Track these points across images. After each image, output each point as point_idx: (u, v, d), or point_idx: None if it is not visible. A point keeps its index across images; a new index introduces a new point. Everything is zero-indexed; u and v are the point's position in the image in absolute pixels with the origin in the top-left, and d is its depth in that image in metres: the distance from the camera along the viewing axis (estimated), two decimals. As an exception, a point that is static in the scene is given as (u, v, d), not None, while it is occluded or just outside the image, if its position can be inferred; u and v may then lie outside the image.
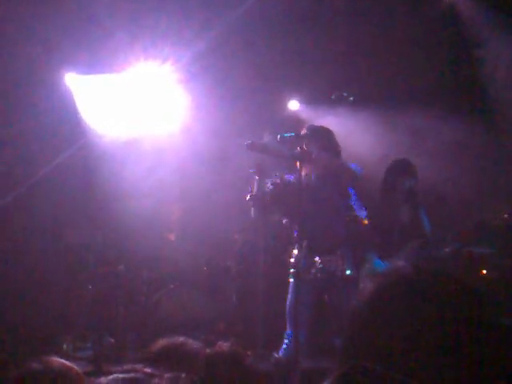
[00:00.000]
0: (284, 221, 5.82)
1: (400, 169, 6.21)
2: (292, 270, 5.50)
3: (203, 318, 7.52)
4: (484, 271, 7.06)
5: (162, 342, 1.84)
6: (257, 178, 5.56)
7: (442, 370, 1.17)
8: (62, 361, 1.34)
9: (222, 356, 1.41)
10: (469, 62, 7.98)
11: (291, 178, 5.64)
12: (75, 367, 1.29)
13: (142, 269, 7.74)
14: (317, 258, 5.46)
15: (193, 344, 1.85)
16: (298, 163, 5.39)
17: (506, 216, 7.45)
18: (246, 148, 5.43)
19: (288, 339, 5.42)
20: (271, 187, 5.62)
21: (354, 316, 1.30)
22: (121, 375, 1.40)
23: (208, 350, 1.34)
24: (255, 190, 5.56)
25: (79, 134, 8.26)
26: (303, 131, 5.60)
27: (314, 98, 8.50)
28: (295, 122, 8.29)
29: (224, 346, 1.45)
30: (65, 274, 7.84)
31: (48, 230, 7.95)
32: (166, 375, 1.48)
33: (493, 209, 7.58)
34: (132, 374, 1.42)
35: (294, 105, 8.76)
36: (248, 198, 5.60)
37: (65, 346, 7.30)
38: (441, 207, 6.99)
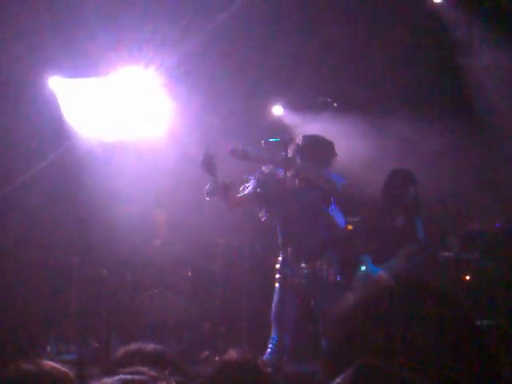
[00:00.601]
0: (263, 218, 5.75)
1: (406, 178, 6.38)
2: (277, 276, 5.52)
3: (187, 321, 7.52)
4: (467, 277, 7.11)
5: (122, 349, 1.84)
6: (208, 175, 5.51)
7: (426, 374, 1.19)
8: (51, 363, 1.35)
9: (234, 363, 1.40)
10: (455, 67, 8.04)
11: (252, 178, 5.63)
12: (66, 369, 1.31)
13: (126, 272, 7.74)
14: (303, 265, 5.48)
15: (153, 347, 1.85)
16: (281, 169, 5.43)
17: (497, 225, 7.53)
18: (229, 155, 5.45)
19: (272, 343, 5.43)
20: (255, 180, 5.61)
21: (342, 322, 1.33)
22: (126, 376, 1.40)
23: (217, 358, 1.35)
24: (208, 185, 5.55)
25: (63, 138, 8.24)
26: (290, 138, 5.63)
27: (297, 104, 8.53)
28: (280, 127, 8.33)
29: (234, 353, 1.44)
30: (49, 277, 7.81)
31: (31, 233, 7.91)
32: (172, 378, 1.49)
33: (480, 215, 7.65)
34: (137, 376, 1.43)
35: (277, 110, 8.78)
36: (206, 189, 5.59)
37: (49, 349, 7.28)
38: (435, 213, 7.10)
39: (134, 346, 1.81)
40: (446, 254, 6.98)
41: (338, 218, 5.71)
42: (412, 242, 6.28)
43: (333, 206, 5.65)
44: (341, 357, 1.27)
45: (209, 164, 5.45)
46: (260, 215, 5.71)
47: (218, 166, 5.47)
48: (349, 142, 7.56)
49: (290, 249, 5.51)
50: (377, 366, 1.10)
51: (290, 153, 5.45)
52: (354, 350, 1.25)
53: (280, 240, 5.61)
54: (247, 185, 5.66)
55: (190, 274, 7.86)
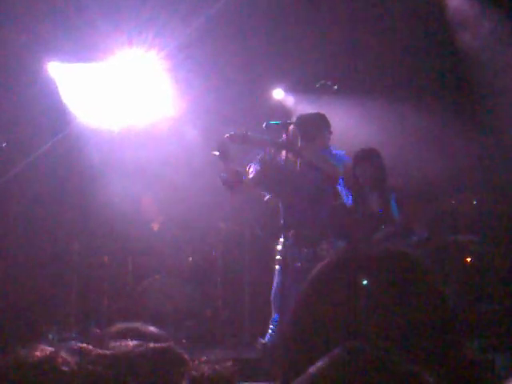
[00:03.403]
0: (265, 198, 5.73)
1: (360, 157, 6.26)
2: (278, 258, 5.50)
3: (189, 307, 7.52)
4: (468, 259, 7.11)
5: (117, 326, 1.81)
6: (222, 162, 5.47)
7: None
8: (52, 349, 1.32)
9: (207, 380, 1.37)
10: (454, 53, 8.00)
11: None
12: (67, 356, 1.28)
13: (128, 259, 7.73)
14: (304, 248, 5.45)
15: (149, 328, 1.82)
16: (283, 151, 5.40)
17: (474, 203, 7.52)
18: (228, 140, 5.41)
19: (273, 325, 5.43)
20: (258, 165, 5.58)
21: (300, 299, 1.32)
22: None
23: (193, 373, 1.32)
24: (222, 173, 5.51)
25: (63, 124, 8.20)
26: (291, 120, 5.60)
27: (298, 87, 8.50)
28: (281, 110, 8.30)
29: (208, 367, 1.40)
30: (50, 264, 7.80)
31: (32, 219, 7.90)
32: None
33: (460, 196, 7.64)
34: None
35: (278, 93, 8.75)
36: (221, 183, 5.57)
37: (50, 336, 7.28)
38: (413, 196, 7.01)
39: (130, 325, 1.78)
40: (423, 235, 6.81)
41: (346, 197, 5.69)
42: (387, 225, 6.16)
43: (340, 185, 5.63)
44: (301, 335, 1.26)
45: (224, 152, 5.41)
46: (265, 198, 5.70)
47: (232, 154, 5.45)
48: (349, 124, 7.55)
49: (292, 231, 5.49)
50: (361, 348, 1.08)
51: (291, 135, 5.43)
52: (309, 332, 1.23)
53: (282, 222, 5.59)
54: (251, 169, 5.63)
55: (190, 259, 7.85)
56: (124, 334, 1.60)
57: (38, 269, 7.70)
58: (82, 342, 1.32)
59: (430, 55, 8.08)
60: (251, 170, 5.61)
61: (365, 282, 1.22)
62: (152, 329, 1.72)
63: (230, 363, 1.34)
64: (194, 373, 1.27)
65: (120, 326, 1.74)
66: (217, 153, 5.41)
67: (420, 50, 8.03)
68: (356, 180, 6.26)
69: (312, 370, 1.07)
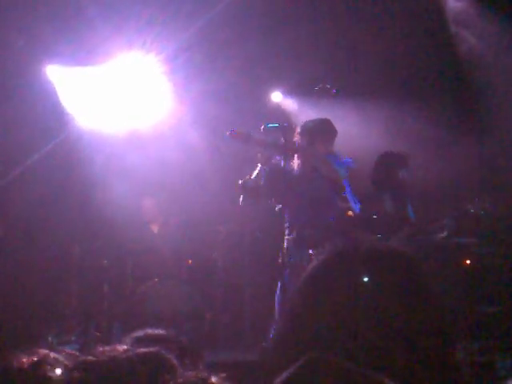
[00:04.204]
0: (277, 208, 5.74)
1: (395, 162, 6.28)
2: (281, 260, 5.50)
3: (189, 310, 7.51)
4: (468, 261, 7.10)
5: (129, 337, 1.82)
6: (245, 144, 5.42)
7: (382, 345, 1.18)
8: (51, 352, 1.33)
9: None
10: (451, 52, 8.00)
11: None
12: (65, 359, 1.29)
13: (127, 261, 7.73)
14: (310, 251, 5.45)
15: (160, 332, 1.83)
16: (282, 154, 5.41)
17: (487, 205, 7.50)
18: (228, 137, 5.41)
19: (276, 329, 5.41)
20: (268, 170, 5.57)
21: (295, 294, 1.32)
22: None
23: (179, 381, 1.31)
24: (247, 178, 5.51)
25: (61, 127, 8.20)
26: (289, 124, 5.61)
27: (297, 90, 8.50)
28: (280, 113, 8.30)
29: (195, 375, 1.39)
30: (50, 266, 7.80)
31: (32, 221, 7.89)
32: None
33: (472, 198, 7.64)
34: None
35: (277, 96, 8.75)
36: (240, 182, 5.57)
37: (50, 339, 7.27)
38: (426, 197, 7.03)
39: (140, 332, 1.79)
40: (441, 234, 6.88)
41: (353, 202, 5.70)
42: (405, 226, 6.18)
43: (348, 190, 5.63)
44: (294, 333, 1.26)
45: (241, 137, 5.36)
46: (275, 207, 5.71)
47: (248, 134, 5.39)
48: (349, 127, 7.55)
49: (296, 235, 5.49)
50: (325, 359, 1.08)
51: (293, 138, 5.44)
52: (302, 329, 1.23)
53: (286, 226, 5.59)
54: (256, 176, 5.62)
55: (190, 262, 7.85)
56: (144, 340, 1.60)
57: (38, 271, 7.70)
58: (82, 345, 1.33)
59: (431, 57, 8.08)
60: (256, 176, 5.59)
61: (365, 279, 1.22)
62: (169, 333, 1.72)
63: (222, 374, 1.34)
64: (180, 380, 1.27)
65: (138, 332, 1.74)
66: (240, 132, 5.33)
67: (420, 52, 8.03)
68: (383, 181, 6.27)
69: (277, 380, 1.07)
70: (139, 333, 1.79)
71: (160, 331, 1.78)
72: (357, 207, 5.80)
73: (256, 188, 5.53)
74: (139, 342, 1.67)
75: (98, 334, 7.41)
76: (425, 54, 8.05)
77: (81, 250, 7.81)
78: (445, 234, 6.70)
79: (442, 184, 7.60)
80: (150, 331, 1.80)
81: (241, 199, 5.69)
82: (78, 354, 1.32)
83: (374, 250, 1.30)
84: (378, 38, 7.98)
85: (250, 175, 5.58)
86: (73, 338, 7.37)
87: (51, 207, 7.94)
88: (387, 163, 6.28)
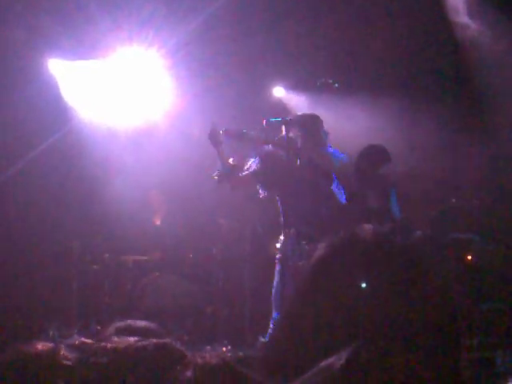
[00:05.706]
0: (263, 194, 5.73)
1: (376, 156, 6.24)
2: (278, 256, 5.50)
3: (189, 304, 7.52)
4: (469, 257, 7.10)
5: (117, 324, 1.83)
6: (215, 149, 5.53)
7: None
8: (51, 345, 1.33)
9: (212, 366, 1.37)
10: (454, 48, 7.99)
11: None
12: (66, 352, 1.29)
13: (128, 256, 7.73)
14: (305, 247, 5.45)
15: (143, 323, 1.84)
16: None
17: (476, 201, 7.51)
18: (223, 135, 5.45)
19: (274, 323, 5.43)
20: (263, 155, 5.59)
21: (295, 292, 1.33)
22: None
23: (198, 359, 1.33)
24: (217, 168, 5.56)
25: (63, 121, 8.20)
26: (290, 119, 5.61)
27: (299, 85, 8.50)
28: (282, 107, 8.30)
29: (213, 355, 1.42)
30: (51, 261, 7.81)
31: (32, 216, 7.90)
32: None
33: (461, 194, 7.64)
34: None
35: (279, 91, 8.74)
36: (215, 174, 5.60)
37: (51, 333, 7.28)
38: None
39: (123, 323, 1.80)
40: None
41: (340, 196, 5.70)
42: (387, 222, 6.15)
43: (335, 184, 5.64)
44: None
45: (215, 137, 5.45)
46: (261, 194, 5.69)
47: (222, 140, 5.51)
48: (350, 122, 7.55)
49: (292, 229, 5.49)
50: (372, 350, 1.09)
51: (289, 133, 5.45)
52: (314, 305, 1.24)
53: (282, 220, 5.60)
54: (249, 164, 5.64)
55: (191, 256, 7.85)
56: (124, 331, 1.61)
57: (39, 266, 7.70)
58: (83, 339, 1.34)
59: (432, 54, 8.07)
60: (249, 166, 5.62)
61: (363, 285, 1.22)
62: (151, 325, 1.74)
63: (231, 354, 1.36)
64: (199, 360, 1.28)
65: (120, 323, 1.75)
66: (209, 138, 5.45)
67: (422, 48, 8.02)
68: (364, 176, 6.24)
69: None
70: (120, 323, 1.81)
71: (142, 323, 1.80)
72: (343, 199, 5.79)
73: (224, 174, 5.56)
74: (120, 332, 1.68)
75: (99, 328, 7.42)
76: (427, 51, 8.04)
77: (82, 245, 7.81)
78: (428, 231, 6.65)
79: (441, 183, 7.61)
80: (131, 322, 1.82)
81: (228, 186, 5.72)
82: (92, 341, 1.33)
83: (373, 244, 1.30)
84: (380, 33, 7.96)
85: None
86: (74, 333, 7.37)
87: (52, 201, 7.94)
88: (369, 158, 6.24)
